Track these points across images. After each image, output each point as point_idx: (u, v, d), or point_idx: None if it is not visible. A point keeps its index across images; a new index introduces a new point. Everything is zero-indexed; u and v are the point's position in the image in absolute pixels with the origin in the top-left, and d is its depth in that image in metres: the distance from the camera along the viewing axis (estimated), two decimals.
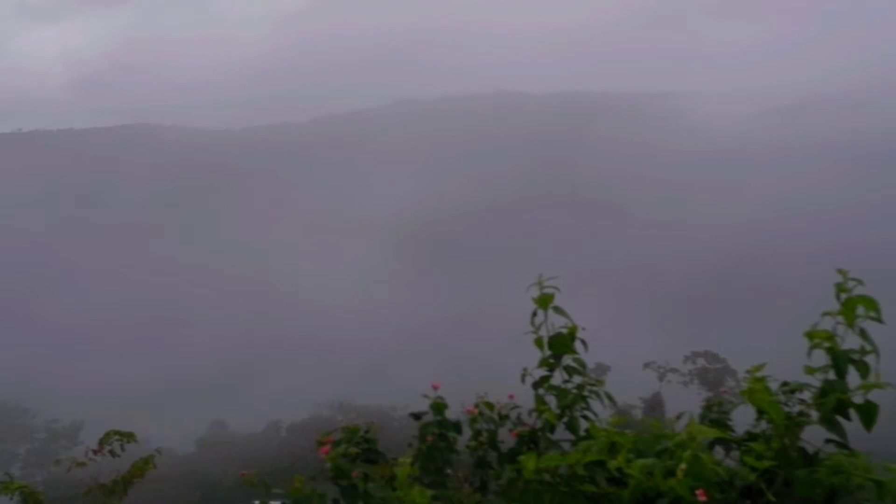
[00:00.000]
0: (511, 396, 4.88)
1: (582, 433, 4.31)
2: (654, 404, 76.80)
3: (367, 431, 4.76)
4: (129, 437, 11.99)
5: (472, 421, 4.74)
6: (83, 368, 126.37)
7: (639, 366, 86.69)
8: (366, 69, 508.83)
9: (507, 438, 4.72)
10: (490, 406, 4.85)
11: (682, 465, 3.49)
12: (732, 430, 4.39)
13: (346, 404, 76.99)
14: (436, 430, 4.66)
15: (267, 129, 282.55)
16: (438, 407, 4.73)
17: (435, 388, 4.75)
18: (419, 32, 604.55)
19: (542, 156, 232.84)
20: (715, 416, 4.67)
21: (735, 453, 4.00)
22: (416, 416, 4.75)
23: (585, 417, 4.39)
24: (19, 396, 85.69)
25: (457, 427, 4.69)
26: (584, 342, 4.42)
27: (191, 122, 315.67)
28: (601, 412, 4.46)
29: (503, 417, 4.80)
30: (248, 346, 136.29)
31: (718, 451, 4.14)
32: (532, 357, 4.89)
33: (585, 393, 4.39)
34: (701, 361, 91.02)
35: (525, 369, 4.50)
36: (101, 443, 11.34)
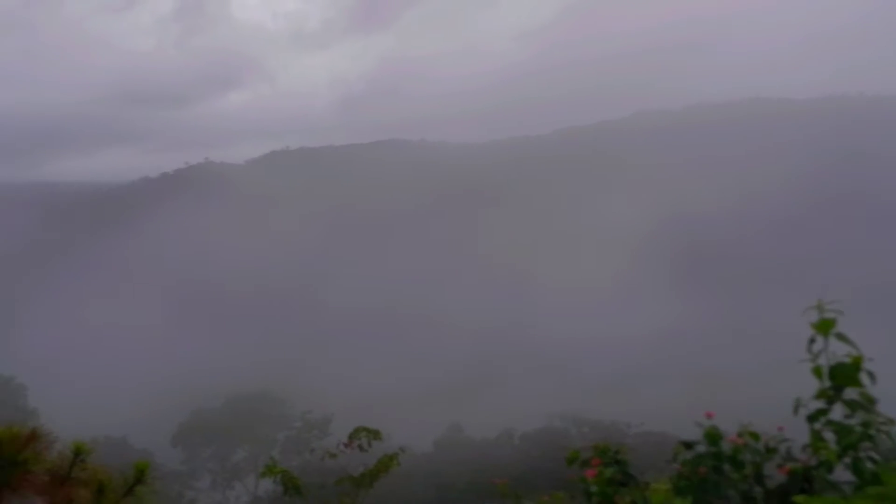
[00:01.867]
0: (780, 428, 4.38)
1: (868, 477, 3.76)
2: None
3: (616, 452, 4.49)
4: (375, 434, 12.65)
5: (735, 451, 4.31)
6: (338, 364, 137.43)
7: None
8: (609, 80, 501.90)
9: (772, 473, 4.25)
10: (755, 436, 4.38)
11: None
12: None
13: (580, 417, 75.70)
14: (710, 461, 4.26)
15: (509, 142, 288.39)
16: (713, 437, 4.33)
17: (709, 416, 4.36)
18: (662, 40, 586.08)
19: (808, 165, 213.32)
20: None
21: None
22: (688, 445, 4.38)
23: (872, 459, 3.83)
24: (280, 387, 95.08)
25: (734, 462, 4.26)
26: (871, 374, 3.87)
27: (438, 136, 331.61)
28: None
29: (771, 450, 4.32)
30: (488, 352, 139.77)
31: None
32: (798, 385, 4.36)
33: (872, 432, 3.82)
34: None
35: (798, 400, 4.02)
36: (351, 437, 12.07)
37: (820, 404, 3.98)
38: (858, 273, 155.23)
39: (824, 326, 3.83)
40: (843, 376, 3.85)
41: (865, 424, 3.85)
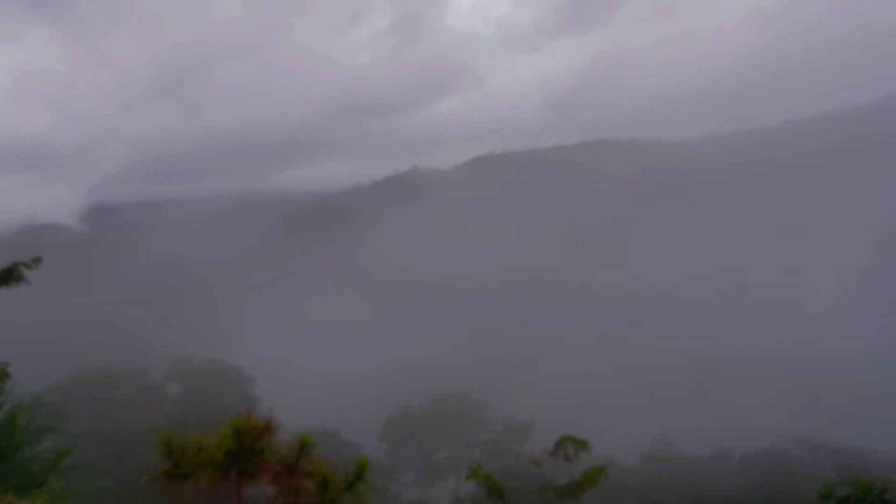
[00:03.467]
0: None
1: None
2: None
3: (884, 490, 4.04)
4: (582, 444, 11.24)
5: None
6: (545, 367, 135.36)
7: None
8: (848, 64, 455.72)
9: None
10: None
11: None
12: None
13: (814, 441, 67.43)
14: None
15: (728, 138, 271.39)
16: None
17: None
18: None
19: None
20: None
21: None
22: None
23: None
24: (484, 389, 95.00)
25: None
26: None
27: (651, 133, 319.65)
28: None
29: None
30: (708, 361, 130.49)
31: None
32: None
33: None
34: None
35: None
36: (557, 446, 10.77)
37: None
38: None
39: None
40: None
41: None
